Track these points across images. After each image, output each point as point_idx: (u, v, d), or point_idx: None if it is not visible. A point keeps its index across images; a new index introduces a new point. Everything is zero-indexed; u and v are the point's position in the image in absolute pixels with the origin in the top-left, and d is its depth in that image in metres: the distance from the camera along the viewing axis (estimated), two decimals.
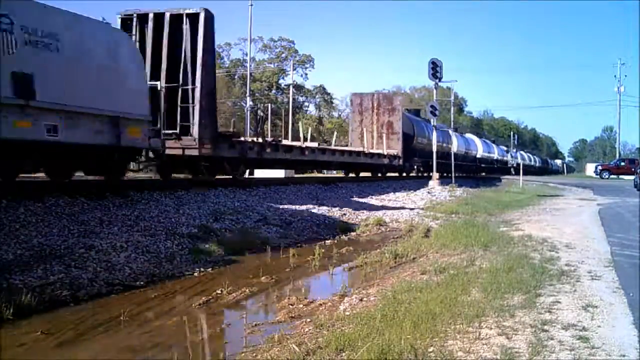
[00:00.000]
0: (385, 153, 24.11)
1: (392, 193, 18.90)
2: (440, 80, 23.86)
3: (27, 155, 8.25)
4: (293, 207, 12.14)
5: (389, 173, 26.60)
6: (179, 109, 11.84)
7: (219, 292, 5.81)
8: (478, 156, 44.34)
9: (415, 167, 28.50)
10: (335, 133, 26.93)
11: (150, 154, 10.64)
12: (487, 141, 51.97)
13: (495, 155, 49.86)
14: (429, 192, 19.84)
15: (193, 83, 12.07)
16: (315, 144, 19.65)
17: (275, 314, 5.16)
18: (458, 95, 69.82)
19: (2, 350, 4.14)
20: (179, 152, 11.74)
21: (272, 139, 16.52)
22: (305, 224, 10.83)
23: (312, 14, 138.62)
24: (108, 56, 8.94)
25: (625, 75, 58.47)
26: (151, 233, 7.85)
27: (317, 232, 10.42)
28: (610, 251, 7.22)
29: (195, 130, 11.88)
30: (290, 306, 5.35)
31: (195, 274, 6.76)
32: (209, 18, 12.29)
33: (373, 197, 16.97)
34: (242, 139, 14.38)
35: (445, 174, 27.64)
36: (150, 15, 12.32)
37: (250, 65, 43.42)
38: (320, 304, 5.40)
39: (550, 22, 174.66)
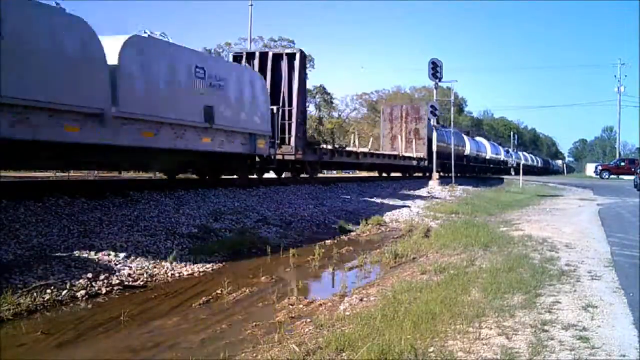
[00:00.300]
0: (415, 156, 27.48)
1: (392, 194, 18.89)
2: (440, 80, 23.89)
3: (200, 160, 12.10)
4: (295, 207, 12.15)
5: (415, 173, 29.89)
6: (279, 124, 14.70)
7: (219, 292, 5.81)
8: (487, 157, 46.85)
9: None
10: (371, 140, 29.29)
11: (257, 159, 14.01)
12: (495, 144, 54.51)
13: (502, 156, 52.64)
14: (428, 192, 19.85)
15: (290, 105, 15.81)
16: (366, 149, 23.54)
17: (275, 314, 5.15)
18: (458, 95, 69.78)
19: (2, 350, 4.14)
20: (280, 157, 15.18)
21: (338, 146, 21.04)
22: (305, 224, 10.83)
23: (312, 14, 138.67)
24: (250, 91, 12.66)
25: (625, 75, 58.65)
26: (151, 233, 7.85)
27: (317, 232, 10.42)
28: (610, 251, 7.22)
29: (292, 140, 15.68)
30: (290, 306, 5.35)
31: (195, 274, 6.76)
32: (303, 57, 16.37)
33: (373, 197, 16.97)
34: (321, 146, 18.15)
35: (459, 174, 29.89)
36: (257, 54, 16.35)
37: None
38: (320, 304, 5.40)
39: (550, 22, 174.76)
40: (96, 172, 20.70)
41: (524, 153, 67.53)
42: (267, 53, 16.34)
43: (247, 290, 5.98)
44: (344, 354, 3.60)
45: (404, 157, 26.73)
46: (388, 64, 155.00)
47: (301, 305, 5.37)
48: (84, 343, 4.38)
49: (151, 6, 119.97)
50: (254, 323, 4.84)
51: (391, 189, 20.13)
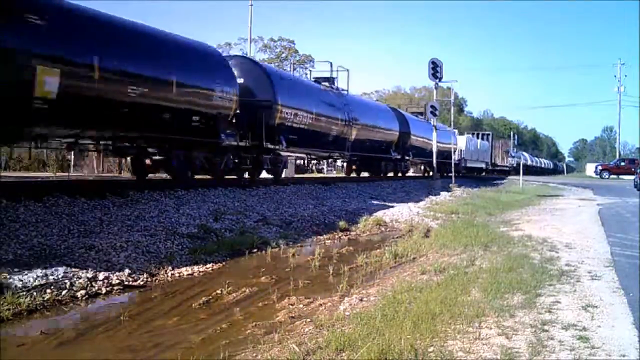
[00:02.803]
0: (507, 164, 51.66)
1: (392, 194, 18.89)
2: (440, 80, 23.84)
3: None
4: (295, 207, 12.15)
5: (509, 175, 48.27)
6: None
7: (219, 292, 5.81)
8: (528, 164, 60.57)
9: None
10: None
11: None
12: (532, 154, 68.23)
13: (534, 163, 66.06)
14: (429, 192, 19.84)
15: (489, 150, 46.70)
16: (498, 162, 48.74)
17: (275, 314, 5.15)
18: (458, 95, 69.90)
19: (2, 351, 4.14)
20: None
21: (493, 162, 47.35)
22: (305, 224, 10.82)
23: (312, 14, 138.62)
24: (484, 148, 44.61)
25: (625, 75, 58.46)
26: (151, 233, 7.84)
27: (317, 232, 10.41)
28: (610, 251, 7.22)
29: (488, 163, 44.57)
30: (290, 306, 5.35)
31: (195, 274, 6.76)
32: (493, 134, 51.11)
33: (373, 197, 16.97)
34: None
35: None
36: (475, 133, 46.87)
37: None
38: (320, 304, 5.40)
39: (550, 22, 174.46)
40: (96, 171, 21.05)
41: (542, 159, 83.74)
42: (479, 133, 45.98)
43: (247, 290, 5.98)
44: (344, 353, 3.60)
45: (503, 166, 50.84)
46: (388, 64, 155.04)
47: (301, 305, 5.37)
48: (84, 343, 4.39)
49: (151, 6, 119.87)
50: (254, 323, 4.84)
51: (391, 189, 20.13)
